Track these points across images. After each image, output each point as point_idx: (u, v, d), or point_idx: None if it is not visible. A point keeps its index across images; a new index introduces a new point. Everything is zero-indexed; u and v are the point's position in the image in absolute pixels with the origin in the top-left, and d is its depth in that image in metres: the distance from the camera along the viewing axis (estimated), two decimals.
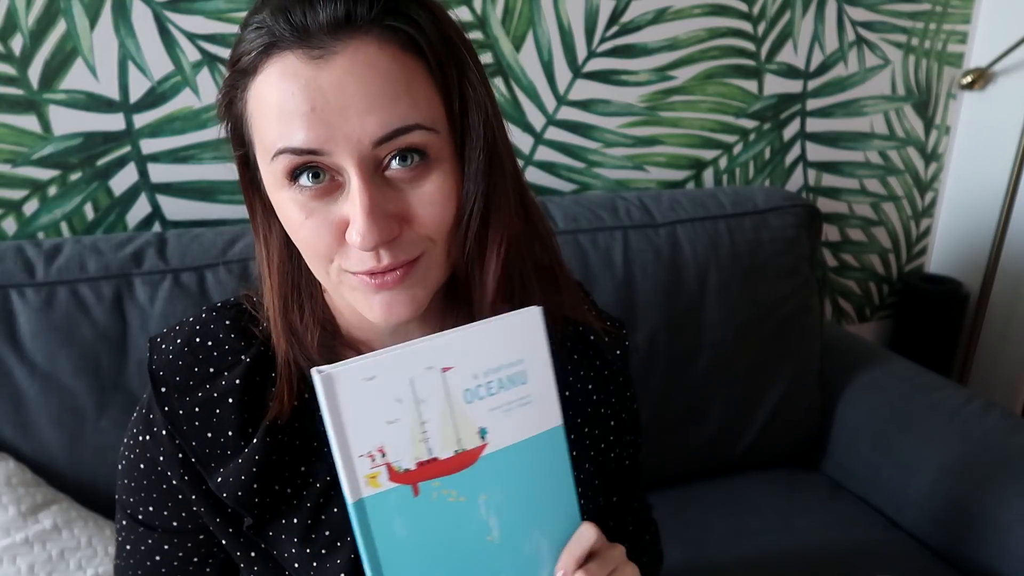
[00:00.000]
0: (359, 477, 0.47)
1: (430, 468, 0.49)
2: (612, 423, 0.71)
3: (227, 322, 0.62)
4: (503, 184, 0.57)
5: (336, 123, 0.49)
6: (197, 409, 0.59)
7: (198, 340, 0.61)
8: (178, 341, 0.62)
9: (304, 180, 0.51)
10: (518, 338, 0.50)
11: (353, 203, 0.50)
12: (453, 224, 0.54)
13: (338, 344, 0.62)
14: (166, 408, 0.59)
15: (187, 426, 0.59)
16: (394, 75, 0.49)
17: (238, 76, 0.52)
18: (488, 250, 0.57)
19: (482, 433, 0.50)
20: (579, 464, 0.67)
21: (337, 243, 0.52)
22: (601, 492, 0.72)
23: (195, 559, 0.64)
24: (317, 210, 0.51)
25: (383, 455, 0.47)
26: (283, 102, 0.49)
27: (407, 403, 0.47)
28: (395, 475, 0.48)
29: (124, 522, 0.65)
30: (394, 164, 0.51)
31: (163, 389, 0.60)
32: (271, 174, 0.52)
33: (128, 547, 0.65)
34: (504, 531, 0.52)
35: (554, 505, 0.54)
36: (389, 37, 0.50)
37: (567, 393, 0.68)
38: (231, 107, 0.54)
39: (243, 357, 0.61)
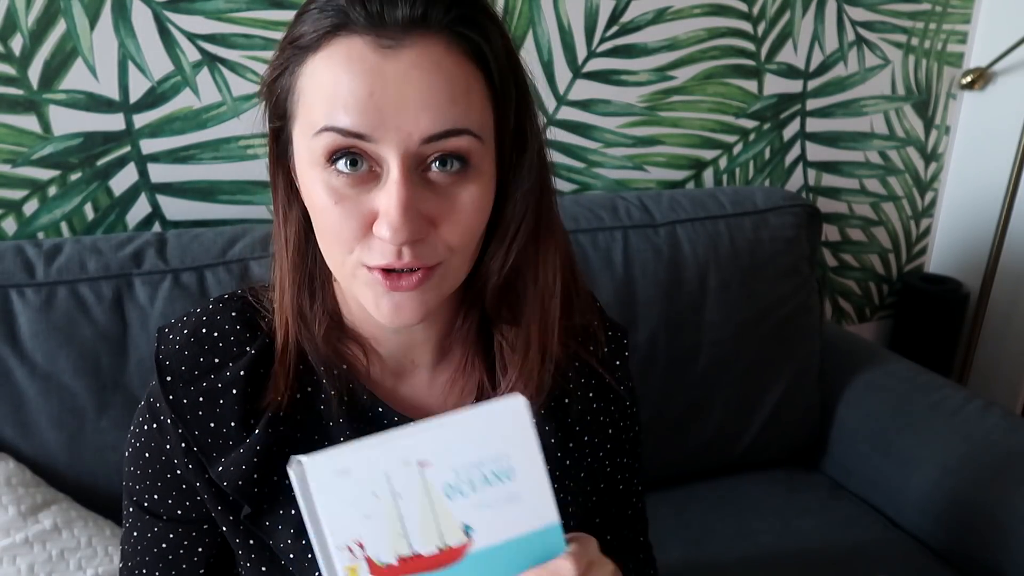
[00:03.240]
0: (337, 569, 0.46)
1: (413, 563, 0.47)
2: (610, 431, 0.71)
3: (233, 314, 0.63)
4: (549, 202, 0.59)
5: (390, 113, 0.49)
6: (201, 399, 0.60)
7: (204, 331, 0.62)
8: (185, 331, 0.62)
9: (341, 165, 0.51)
10: (500, 431, 0.48)
11: (389, 196, 0.50)
12: (476, 237, 0.55)
13: (344, 336, 0.63)
14: (170, 397, 0.60)
15: (190, 415, 0.60)
16: (456, 79, 0.50)
17: (295, 51, 0.52)
18: (538, 268, 0.60)
19: (466, 530, 0.48)
20: (573, 472, 0.67)
21: (362, 233, 0.52)
22: (591, 500, 0.72)
23: (199, 548, 0.65)
24: (348, 197, 0.51)
25: (362, 548, 0.46)
26: (341, 82, 0.49)
27: (384, 498, 0.46)
28: (376, 569, 0.47)
29: (131, 508, 0.66)
30: (435, 167, 0.51)
31: (168, 378, 0.60)
32: (309, 150, 0.52)
33: (135, 533, 0.65)
34: None
35: None
36: (457, 43, 0.50)
37: (566, 400, 0.67)
38: (278, 80, 0.54)
39: (248, 349, 0.61)
